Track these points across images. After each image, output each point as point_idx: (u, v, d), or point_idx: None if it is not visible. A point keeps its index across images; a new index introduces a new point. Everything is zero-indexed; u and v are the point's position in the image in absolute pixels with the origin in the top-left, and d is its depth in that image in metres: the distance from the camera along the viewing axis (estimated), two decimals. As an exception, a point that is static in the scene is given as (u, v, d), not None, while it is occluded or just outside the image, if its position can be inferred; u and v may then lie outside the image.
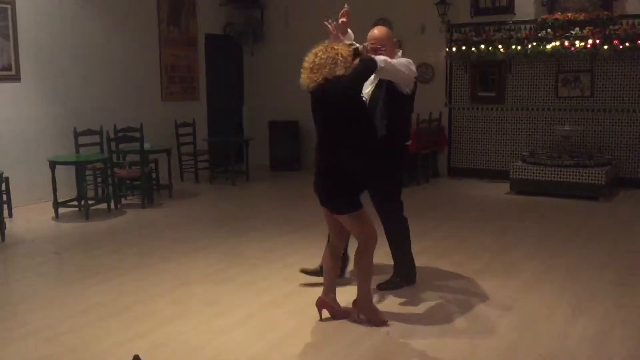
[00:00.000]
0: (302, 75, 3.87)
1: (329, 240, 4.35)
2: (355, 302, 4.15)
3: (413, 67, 4.47)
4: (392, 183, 4.69)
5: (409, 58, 4.55)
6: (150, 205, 7.89)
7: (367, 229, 4.00)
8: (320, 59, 3.79)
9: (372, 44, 4.37)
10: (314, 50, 3.86)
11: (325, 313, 4.14)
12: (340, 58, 3.78)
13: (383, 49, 4.32)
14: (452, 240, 6.15)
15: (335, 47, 3.85)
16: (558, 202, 7.94)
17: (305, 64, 3.85)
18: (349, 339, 3.89)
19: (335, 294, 4.17)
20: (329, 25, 4.40)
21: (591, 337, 3.89)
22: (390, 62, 4.25)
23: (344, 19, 4.41)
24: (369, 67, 3.95)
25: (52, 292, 4.85)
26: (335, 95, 3.80)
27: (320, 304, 4.13)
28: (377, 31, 4.54)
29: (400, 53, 4.62)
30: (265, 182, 9.79)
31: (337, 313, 4.14)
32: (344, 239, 4.31)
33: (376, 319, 4.06)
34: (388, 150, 4.51)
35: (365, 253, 4.02)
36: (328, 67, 3.76)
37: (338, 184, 3.92)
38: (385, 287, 4.73)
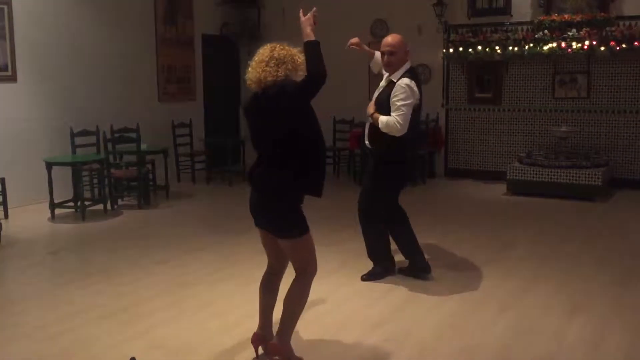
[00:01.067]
0: (255, 70, 3.34)
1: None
2: (265, 338, 3.56)
3: (409, 93, 4.55)
4: (376, 188, 4.87)
5: (403, 84, 4.66)
6: (146, 206, 7.87)
7: (311, 257, 3.46)
8: (279, 54, 3.34)
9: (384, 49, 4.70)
10: (269, 45, 3.40)
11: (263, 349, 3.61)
12: (298, 59, 3.35)
13: None
14: (448, 241, 6.15)
15: (291, 49, 3.40)
16: (554, 202, 7.95)
17: (257, 57, 3.37)
18: (347, 339, 3.89)
19: (272, 327, 3.62)
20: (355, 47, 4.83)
21: (588, 337, 3.89)
22: (384, 122, 4.55)
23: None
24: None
25: (47, 293, 4.83)
26: (284, 102, 3.27)
27: (256, 340, 3.60)
28: (390, 39, 4.76)
29: (408, 64, 4.77)
30: (262, 183, 9.78)
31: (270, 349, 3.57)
32: (286, 262, 3.61)
33: (274, 347, 3.51)
34: (387, 159, 4.73)
35: (303, 284, 3.46)
36: (290, 65, 3.32)
37: (284, 204, 3.36)
38: (367, 279, 4.96)
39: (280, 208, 3.36)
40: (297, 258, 3.47)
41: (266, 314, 3.64)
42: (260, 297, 3.66)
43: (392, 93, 4.59)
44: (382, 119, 4.59)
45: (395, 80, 4.65)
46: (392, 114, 4.55)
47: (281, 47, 3.39)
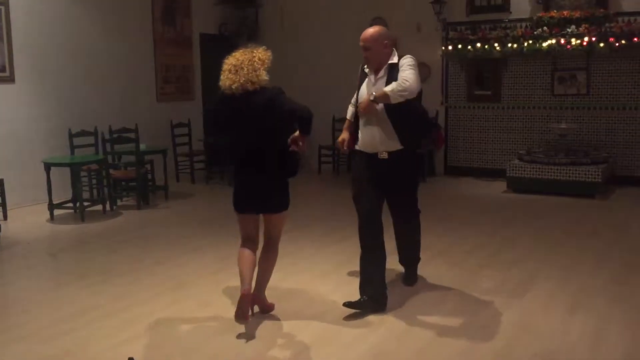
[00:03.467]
0: (222, 76, 3.95)
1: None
2: (252, 296, 4.07)
3: (415, 62, 4.25)
4: (414, 187, 4.83)
5: (408, 56, 4.31)
6: (145, 207, 7.86)
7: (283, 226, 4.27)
8: (237, 60, 3.93)
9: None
10: (234, 54, 3.99)
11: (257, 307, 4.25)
12: (257, 60, 3.92)
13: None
14: (448, 239, 6.15)
15: (253, 51, 3.99)
16: (554, 200, 7.93)
17: (225, 67, 3.96)
18: (347, 339, 3.88)
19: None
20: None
21: (588, 334, 3.88)
22: (391, 89, 4.13)
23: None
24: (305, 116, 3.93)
25: (47, 294, 4.82)
26: (274, 109, 3.91)
27: (252, 301, 4.15)
28: (366, 33, 4.33)
29: (396, 56, 4.34)
30: (261, 182, 9.76)
31: (267, 307, 4.27)
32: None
33: (268, 305, 4.26)
34: (404, 157, 4.51)
35: (277, 250, 4.23)
36: (246, 69, 3.88)
37: (282, 183, 4.09)
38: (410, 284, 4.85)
39: (284, 187, 4.10)
40: (280, 228, 4.20)
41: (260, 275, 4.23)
42: (244, 264, 4.11)
43: (400, 66, 4.23)
44: (387, 88, 4.15)
45: (396, 62, 4.30)
46: (399, 75, 4.16)
47: (242, 52, 3.98)
